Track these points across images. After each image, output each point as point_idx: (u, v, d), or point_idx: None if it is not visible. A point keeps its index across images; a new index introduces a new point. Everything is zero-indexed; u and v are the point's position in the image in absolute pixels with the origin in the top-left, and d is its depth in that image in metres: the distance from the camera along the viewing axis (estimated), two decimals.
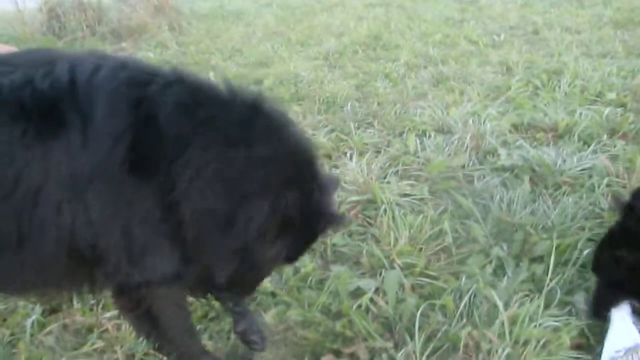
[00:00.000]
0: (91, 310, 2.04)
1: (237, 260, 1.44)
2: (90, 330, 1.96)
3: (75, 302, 2.06)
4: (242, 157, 1.34)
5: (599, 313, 1.75)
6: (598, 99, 3.78)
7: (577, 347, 1.70)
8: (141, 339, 1.80)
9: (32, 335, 1.94)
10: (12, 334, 1.97)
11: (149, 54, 6.05)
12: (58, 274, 1.42)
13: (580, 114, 3.42)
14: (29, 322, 1.97)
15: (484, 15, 7.18)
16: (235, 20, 8.14)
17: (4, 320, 2.05)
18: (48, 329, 1.95)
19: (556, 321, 1.74)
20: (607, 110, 3.41)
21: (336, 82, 4.59)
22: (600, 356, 1.64)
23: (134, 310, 1.51)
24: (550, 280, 1.92)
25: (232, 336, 1.88)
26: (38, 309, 2.04)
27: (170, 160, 1.30)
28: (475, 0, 8.61)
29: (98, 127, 1.26)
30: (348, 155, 3.13)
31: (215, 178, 1.33)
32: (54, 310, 2.07)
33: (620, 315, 1.72)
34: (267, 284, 2.10)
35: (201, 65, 5.46)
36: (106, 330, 1.93)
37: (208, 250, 1.42)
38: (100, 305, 2.04)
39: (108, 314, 1.98)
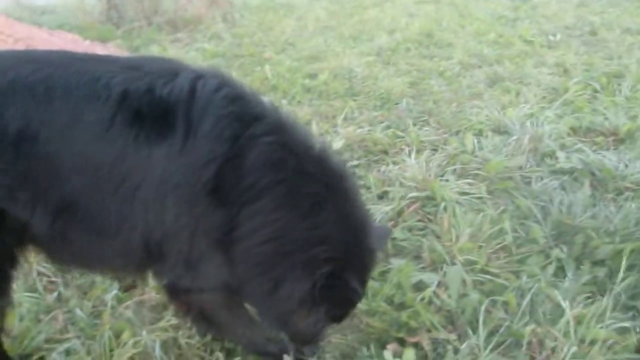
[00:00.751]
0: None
1: (278, 321, 1.59)
2: (165, 307, 2.09)
3: (149, 281, 2.20)
4: (302, 233, 1.45)
5: None
6: None
7: None
8: None
9: (112, 308, 2.08)
10: (94, 306, 2.12)
11: (205, 45, 6.20)
12: (136, 262, 1.57)
13: None
14: (108, 296, 2.11)
15: (538, 14, 7.05)
16: (287, 13, 8.23)
17: (85, 293, 2.20)
18: (126, 303, 2.09)
19: (622, 323, 1.77)
20: None
21: (390, 78, 4.63)
22: None
23: (189, 313, 1.65)
24: (615, 284, 1.94)
25: None
26: (116, 284, 2.19)
27: (242, 202, 1.42)
28: None
29: (198, 142, 1.38)
30: (406, 151, 3.18)
31: (272, 241, 1.44)
32: (130, 287, 2.21)
33: None
34: None
35: (255, 58, 5.59)
36: None
37: (252, 300, 1.60)
38: None
39: None
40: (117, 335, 1.95)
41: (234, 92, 1.48)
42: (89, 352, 1.86)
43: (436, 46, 5.72)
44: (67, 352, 1.87)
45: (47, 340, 1.94)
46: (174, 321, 1.99)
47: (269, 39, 6.53)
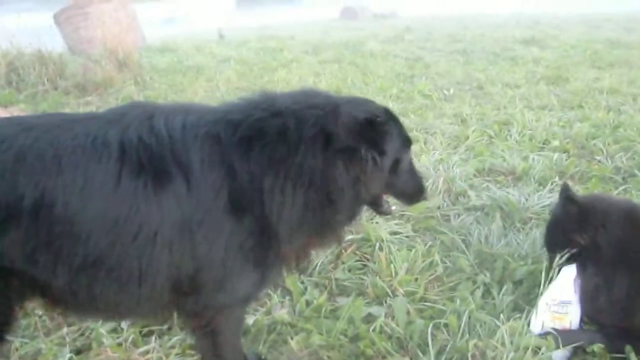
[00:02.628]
0: (120, 346, 2.16)
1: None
2: None
3: (104, 340, 2.19)
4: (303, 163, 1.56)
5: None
6: (545, 145, 4.32)
7: None
8: None
9: None
10: None
11: None
12: (162, 303, 1.63)
13: (533, 159, 3.90)
14: None
15: (432, 72, 7.82)
16: (196, 75, 8.41)
17: None
18: None
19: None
20: (554, 156, 3.92)
21: None
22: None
23: (203, 329, 1.71)
24: (533, 299, 2.24)
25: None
26: (67, 349, 2.15)
27: (259, 192, 1.53)
28: (420, 57, 9.36)
29: (200, 180, 1.49)
30: None
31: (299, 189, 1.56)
32: (82, 349, 2.18)
33: (566, 275, 2.18)
34: (284, 316, 2.31)
35: None
36: None
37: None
38: (129, 341, 2.18)
39: (140, 349, 2.12)
40: None
41: (194, 118, 1.57)
42: None
43: None
44: None
45: None
46: None
47: (182, 100, 6.64)
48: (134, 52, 8.20)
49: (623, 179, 3.61)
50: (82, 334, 2.28)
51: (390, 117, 1.74)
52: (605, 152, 4.08)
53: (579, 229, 2.21)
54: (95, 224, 1.42)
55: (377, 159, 1.62)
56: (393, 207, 1.97)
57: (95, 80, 6.95)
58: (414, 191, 1.91)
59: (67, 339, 2.23)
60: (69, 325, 2.32)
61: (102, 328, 2.25)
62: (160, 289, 1.54)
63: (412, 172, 1.88)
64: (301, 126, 1.55)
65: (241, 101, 1.69)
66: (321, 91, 1.77)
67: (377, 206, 1.90)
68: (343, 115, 1.60)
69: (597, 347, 2.00)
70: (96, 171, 1.42)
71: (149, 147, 1.47)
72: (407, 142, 1.79)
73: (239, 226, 1.53)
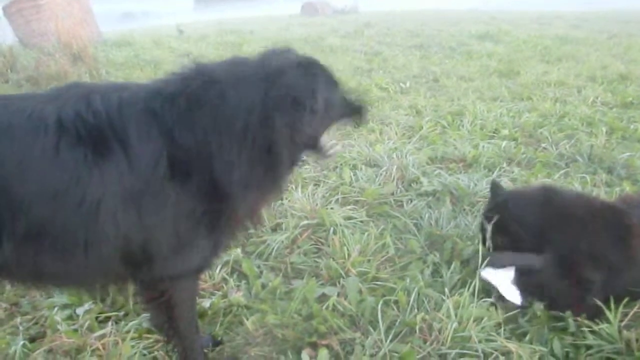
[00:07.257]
0: (76, 331, 2.17)
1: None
2: (79, 350, 2.10)
3: (59, 327, 2.19)
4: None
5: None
6: (495, 134, 4.49)
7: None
8: (134, 352, 2.02)
9: (21, 359, 2.04)
10: None
11: None
12: (113, 272, 1.65)
13: (483, 147, 4.06)
14: (14, 349, 2.07)
15: (389, 65, 7.96)
16: (154, 69, 8.29)
17: None
18: (37, 351, 2.07)
19: (486, 303, 2.18)
20: (503, 144, 4.09)
21: None
22: None
23: (157, 300, 1.74)
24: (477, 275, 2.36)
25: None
26: (20, 336, 2.15)
27: (205, 158, 1.55)
28: (379, 52, 9.51)
29: (138, 152, 1.51)
30: (291, 188, 3.47)
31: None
32: (36, 337, 2.18)
33: (505, 278, 2.24)
34: (240, 299, 2.36)
35: None
36: (97, 348, 2.08)
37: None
38: (85, 327, 2.19)
39: (96, 334, 2.14)
40: None
41: (129, 95, 1.58)
42: None
43: None
44: None
45: None
46: None
47: None
48: (89, 45, 8.05)
49: (566, 164, 3.80)
50: (36, 323, 2.28)
51: (314, 63, 1.77)
52: (550, 140, 4.28)
53: None
54: (36, 194, 1.43)
55: (309, 105, 1.64)
56: (338, 147, 2.00)
57: (49, 74, 6.79)
58: (354, 115, 1.94)
59: (21, 328, 2.22)
60: (23, 315, 2.32)
61: (57, 315, 2.26)
62: (108, 259, 1.56)
63: (344, 101, 1.89)
64: (239, 91, 1.58)
65: (174, 76, 1.68)
66: (248, 58, 1.76)
67: (318, 151, 1.86)
68: (273, 72, 1.63)
69: (538, 309, 2.13)
70: (34, 144, 1.42)
71: (87, 122, 1.48)
72: (335, 83, 1.82)
73: (185, 193, 1.55)
